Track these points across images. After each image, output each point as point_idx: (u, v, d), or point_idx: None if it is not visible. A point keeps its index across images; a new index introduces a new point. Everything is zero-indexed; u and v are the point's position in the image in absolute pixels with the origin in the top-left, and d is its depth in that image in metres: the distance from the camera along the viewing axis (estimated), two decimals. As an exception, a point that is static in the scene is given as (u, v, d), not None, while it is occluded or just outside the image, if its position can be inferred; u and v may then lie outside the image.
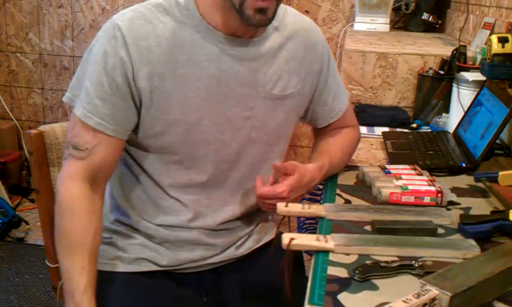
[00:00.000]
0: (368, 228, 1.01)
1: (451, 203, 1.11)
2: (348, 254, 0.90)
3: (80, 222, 1.01)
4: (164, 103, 1.02)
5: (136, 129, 1.06)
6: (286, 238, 0.90)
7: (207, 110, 1.05)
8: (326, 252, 0.90)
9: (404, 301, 0.70)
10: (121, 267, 1.10)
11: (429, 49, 1.98)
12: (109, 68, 1.00)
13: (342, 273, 0.85)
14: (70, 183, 1.02)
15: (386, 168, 1.23)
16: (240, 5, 0.97)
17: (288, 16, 1.14)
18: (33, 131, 1.32)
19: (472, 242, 0.93)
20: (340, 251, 0.90)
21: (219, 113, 1.06)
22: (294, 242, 0.90)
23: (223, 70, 1.04)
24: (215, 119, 1.06)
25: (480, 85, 1.52)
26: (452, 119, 1.63)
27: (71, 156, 1.02)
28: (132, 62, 0.99)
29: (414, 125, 1.71)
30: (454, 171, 1.31)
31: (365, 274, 0.83)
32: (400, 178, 1.16)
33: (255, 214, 1.20)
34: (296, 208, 1.05)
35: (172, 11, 1.03)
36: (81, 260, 0.98)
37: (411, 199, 1.10)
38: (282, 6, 1.13)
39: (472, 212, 1.09)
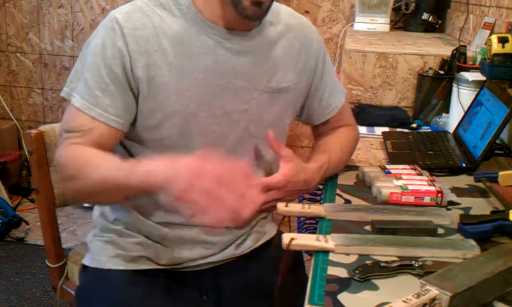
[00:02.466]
0: (368, 228, 1.01)
1: (451, 203, 1.11)
2: (348, 254, 0.90)
3: (93, 151, 0.99)
4: (161, 94, 1.03)
5: (133, 121, 1.06)
6: (286, 238, 0.90)
7: (204, 102, 1.05)
8: (326, 252, 0.90)
9: (404, 301, 0.70)
10: (122, 265, 1.10)
11: (429, 49, 1.98)
12: (107, 59, 1.00)
13: (342, 273, 0.85)
14: (70, 147, 1.00)
15: (386, 168, 1.23)
16: None
17: (284, 12, 1.17)
18: (33, 131, 1.32)
19: (472, 242, 0.93)
20: (340, 251, 0.90)
21: (216, 105, 1.07)
22: (294, 242, 0.90)
23: (219, 63, 1.05)
24: (212, 111, 1.07)
25: (480, 85, 1.52)
26: (452, 119, 1.63)
27: (66, 139, 1.01)
28: (129, 52, 1.00)
29: (414, 125, 1.71)
30: (454, 171, 1.31)
31: (365, 274, 0.83)
32: (400, 178, 1.16)
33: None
34: (295, 208, 1.05)
35: (168, 6, 1.05)
36: (111, 164, 0.96)
37: (411, 199, 1.10)
38: (277, 4, 1.15)
39: (472, 212, 1.09)
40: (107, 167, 0.97)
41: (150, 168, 0.90)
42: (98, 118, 1.00)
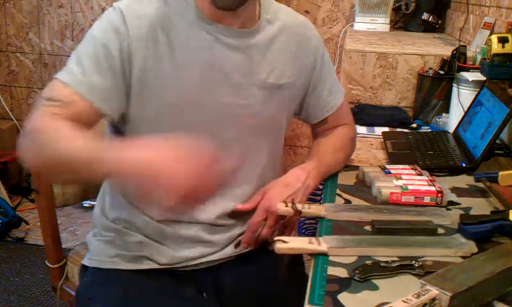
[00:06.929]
0: (368, 228, 1.01)
1: (451, 203, 1.11)
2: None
3: (67, 125, 0.95)
4: (158, 86, 1.03)
5: (129, 116, 1.05)
6: (278, 242, 0.90)
7: (201, 95, 1.06)
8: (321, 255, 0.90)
9: (404, 301, 0.70)
10: (121, 265, 1.11)
11: (429, 49, 1.98)
12: (106, 40, 1.01)
13: (342, 273, 0.85)
14: (46, 116, 0.97)
15: (386, 168, 1.23)
16: None
17: (282, 11, 1.18)
18: (33, 131, 1.32)
19: (472, 242, 0.93)
20: (334, 253, 0.89)
21: (214, 99, 1.07)
22: (285, 245, 0.89)
23: (216, 57, 1.06)
24: (210, 104, 1.07)
25: (480, 85, 1.52)
26: (452, 119, 1.63)
27: (43, 106, 0.99)
28: (129, 37, 1.01)
29: (414, 125, 1.71)
30: (454, 171, 1.31)
31: (365, 274, 0.83)
32: (400, 178, 1.16)
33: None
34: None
35: (170, 1, 1.06)
36: (77, 140, 0.92)
37: (411, 199, 1.10)
38: (276, 3, 1.17)
39: (472, 212, 1.08)
40: (79, 144, 0.91)
41: (122, 154, 0.87)
42: (82, 92, 0.99)
